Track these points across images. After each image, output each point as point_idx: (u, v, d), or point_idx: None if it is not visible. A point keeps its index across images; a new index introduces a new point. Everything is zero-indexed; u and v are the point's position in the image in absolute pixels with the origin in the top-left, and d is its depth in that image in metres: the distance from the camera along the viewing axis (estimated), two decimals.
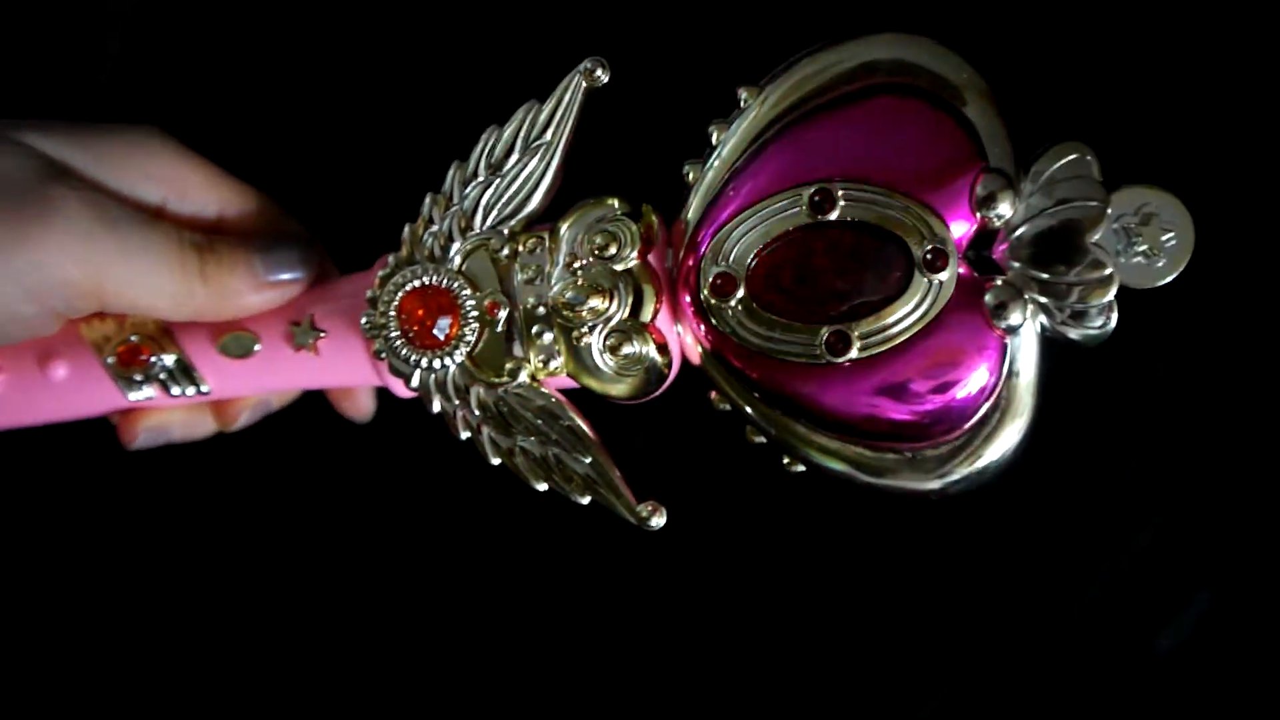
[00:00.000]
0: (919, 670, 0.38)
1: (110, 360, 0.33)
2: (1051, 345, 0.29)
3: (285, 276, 0.32)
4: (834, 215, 0.28)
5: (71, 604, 0.40)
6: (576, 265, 0.29)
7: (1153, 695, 0.38)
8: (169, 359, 0.32)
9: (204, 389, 0.33)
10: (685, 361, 0.31)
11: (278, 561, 0.40)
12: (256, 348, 0.32)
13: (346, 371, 0.32)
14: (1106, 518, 0.38)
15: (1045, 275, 0.28)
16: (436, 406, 0.30)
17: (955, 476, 0.29)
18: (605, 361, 0.29)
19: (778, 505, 0.37)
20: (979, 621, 0.38)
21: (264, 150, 0.36)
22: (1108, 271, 0.28)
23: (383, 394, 0.35)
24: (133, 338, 0.32)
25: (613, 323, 0.29)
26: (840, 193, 0.28)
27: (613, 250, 0.29)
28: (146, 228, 0.30)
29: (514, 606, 0.39)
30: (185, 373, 0.33)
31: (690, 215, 0.30)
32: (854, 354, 0.28)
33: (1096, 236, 0.28)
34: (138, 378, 0.33)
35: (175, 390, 0.33)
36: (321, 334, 0.32)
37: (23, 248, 0.28)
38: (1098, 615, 0.38)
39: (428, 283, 0.30)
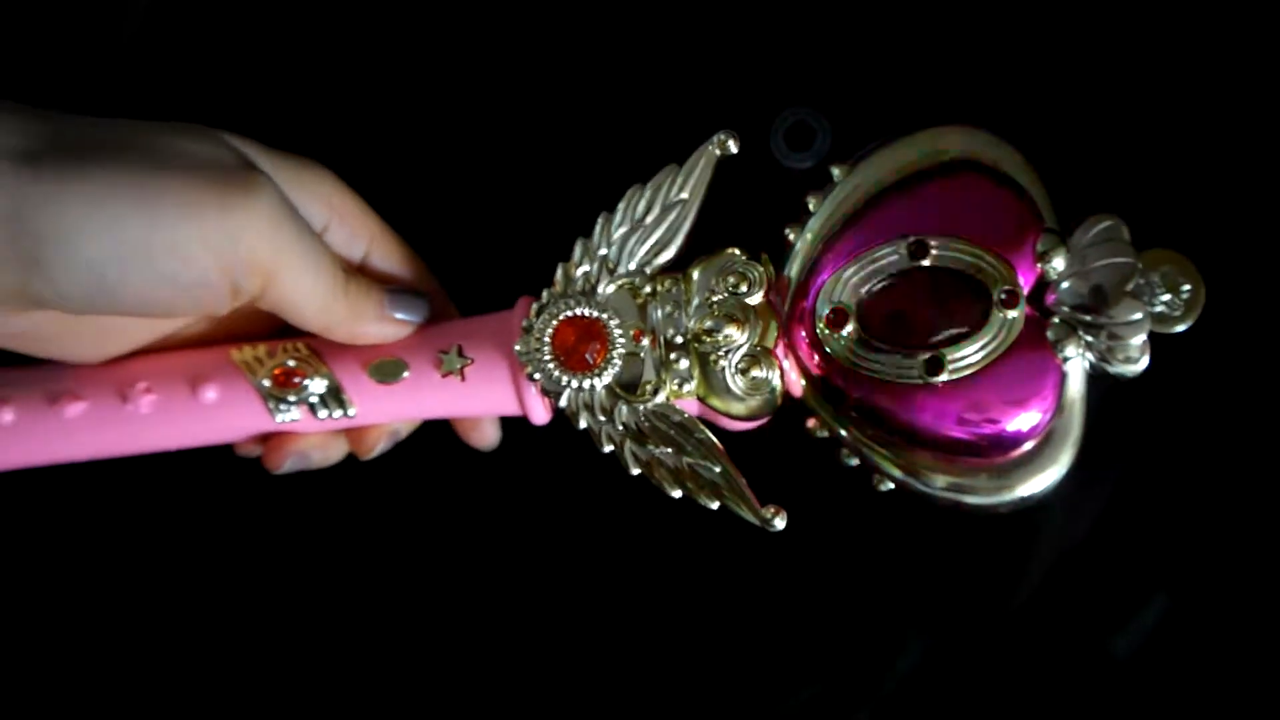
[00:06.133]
0: (870, 672, 0.41)
1: (265, 382, 0.36)
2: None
3: (402, 316, 0.36)
4: (927, 262, 0.34)
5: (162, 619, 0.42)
6: (714, 300, 0.34)
7: (1110, 700, 0.41)
8: (321, 383, 0.36)
9: (350, 413, 0.36)
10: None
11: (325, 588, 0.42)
12: (405, 374, 0.36)
13: (488, 398, 0.36)
14: (1060, 520, 0.42)
15: (1089, 318, 0.35)
16: (584, 423, 0.34)
17: (1020, 492, 0.35)
18: (736, 383, 0.34)
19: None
20: (935, 623, 0.42)
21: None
22: (1139, 316, 0.35)
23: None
24: (289, 362, 0.36)
25: (744, 349, 0.34)
26: (932, 243, 0.34)
27: (744, 288, 0.34)
28: (314, 234, 0.34)
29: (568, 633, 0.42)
30: (335, 397, 0.36)
31: (793, 272, 0.36)
32: (945, 375, 0.34)
33: (1130, 287, 0.35)
34: (291, 399, 0.36)
35: (322, 414, 0.36)
36: (469, 361, 0.36)
37: (227, 217, 0.31)
38: (1051, 617, 0.41)
39: (580, 314, 0.34)
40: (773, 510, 0.34)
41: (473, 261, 0.40)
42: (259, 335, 0.37)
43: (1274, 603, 0.41)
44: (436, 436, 0.39)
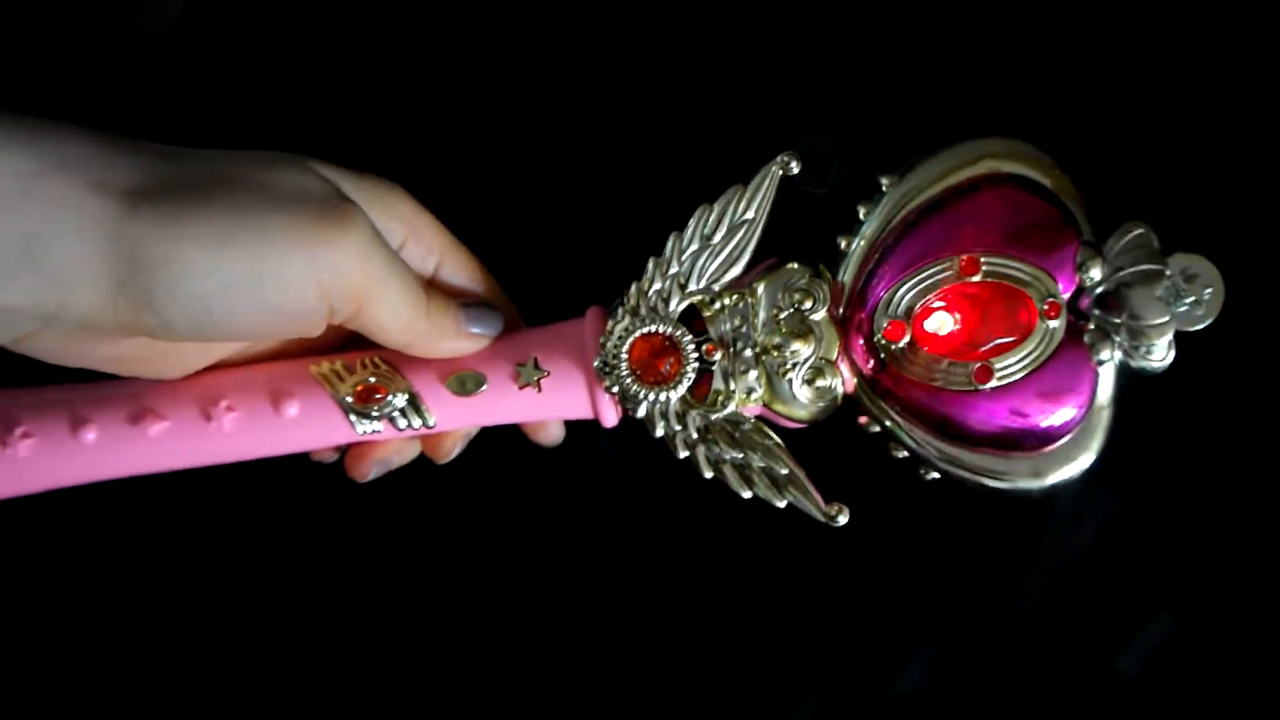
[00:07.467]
0: (873, 684, 0.44)
1: (348, 399, 0.37)
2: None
3: (478, 330, 0.38)
4: (978, 277, 0.37)
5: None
6: (781, 316, 0.37)
7: (1116, 717, 0.43)
8: (402, 397, 0.37)
9: (430, 422, 0.38)
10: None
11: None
12: (484, 387, 0.38)
13: (562, 405, 0.38)
14: (1065, 535, 0.44)
15: (1119, 321, 0.38)
16: (660, 431, 0.37)
17: (1054, 479, 0.38)
18: (802, 392, 0.37)
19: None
20: (939, 636, 0.44)
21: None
22: (1166, 318, 0.38)
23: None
24: (371, 379, 0.37)
25: (810, 361, 0.37)
26: (982, 260, 0.37)
27: (808, 305, 0.37)
28: (399, 256, 0.35)
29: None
30: (415, 409, 0.38)
31: (847, 277, 0.38)
32: (994, 382, 0.37)
33: (1158, 292, 0.38)
34: (374, 413, 0.37)
35: (402, 424, 0.38)
36: (546, 373, 0.37)
37: (330, 249, 0.32)
38: (1056, 633, 0.43)
39: (654, 330, 0.36)
40: (836, 507, 0.36)
41: (522, 264, 0.41)
42: (329, 346, 0.39)
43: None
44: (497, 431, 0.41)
